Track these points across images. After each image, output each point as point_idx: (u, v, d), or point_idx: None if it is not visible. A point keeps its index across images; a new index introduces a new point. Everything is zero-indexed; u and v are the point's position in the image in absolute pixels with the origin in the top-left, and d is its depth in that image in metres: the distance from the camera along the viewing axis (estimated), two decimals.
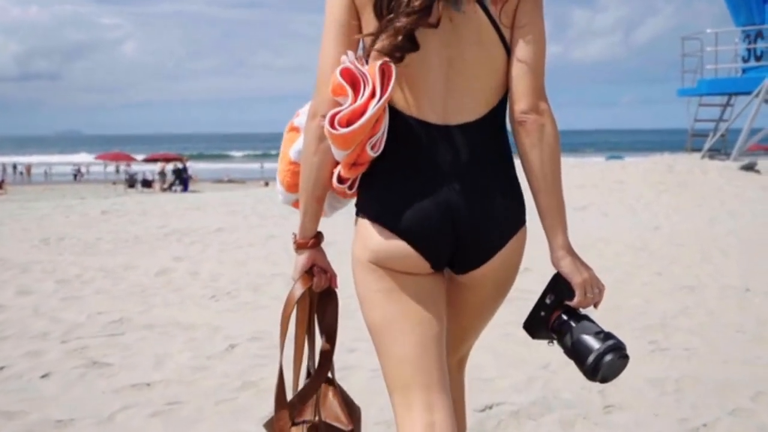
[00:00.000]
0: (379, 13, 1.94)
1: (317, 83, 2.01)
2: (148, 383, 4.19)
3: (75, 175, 55.06)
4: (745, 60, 21.54)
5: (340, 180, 2.02)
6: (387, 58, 1.92)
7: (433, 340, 2.04)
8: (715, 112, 21.98)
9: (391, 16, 1.90)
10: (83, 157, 69.01)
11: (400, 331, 2.04)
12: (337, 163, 2.01)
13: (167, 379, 4.26)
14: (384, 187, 2.01)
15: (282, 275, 7.41)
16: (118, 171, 51.17)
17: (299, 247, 2.14)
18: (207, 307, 6.09)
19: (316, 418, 2.18)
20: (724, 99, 21.80)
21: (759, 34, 20.92)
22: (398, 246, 1.99)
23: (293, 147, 2.25)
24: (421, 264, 2.01)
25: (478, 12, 1.96)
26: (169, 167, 41.85)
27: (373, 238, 2.02)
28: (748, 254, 8.71)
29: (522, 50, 1.99)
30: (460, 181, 1.98)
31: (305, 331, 2.19)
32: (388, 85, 1.91)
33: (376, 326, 2.07)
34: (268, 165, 58.83)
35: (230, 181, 47.54)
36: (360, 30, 2.00)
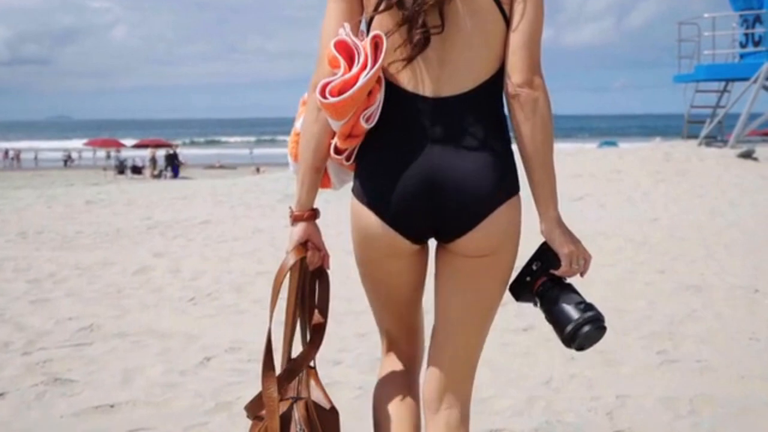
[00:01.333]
0: None
1: (318, 56, 2.04)
2: (113, 404, 3.82)
3: (65, 161, 54.40)
4: (743, 45, 21.18)
5: (337, 151, 2.06)
6: (381, 33, 1.96)
7: (406, 307, 2.27)
8: (711, 98, 21.65)
9: None
10: (74, 143, 68.37)
11: (379, 301, 2.27)
12: (335, 134, 2.05)
13: (134, 400, 3.88)
14: (373, 160, 2.05)
15: (266, 274, 7.04)
16: (109, 156, 50.57)
17: (295, 219, 2.14)
18: (185, 312, 5.71)
19: (304, 395, 2.15)
20: (721, 85, 21.46)
21: (757, 19, 20.54)
22: (377, 225, 2.05)
23: (300, 119, 2.24)
24: (399, 244, 2.08)
25: None
26: (160, 153, 41.42)
27: (360, 215, 2.08)
28: (753, 250, 8.37)
29: (519, 24, 2.00)
30: (448, 151, 2.00)
31: (296, 302, 2.16)
32: (378, 56, 1.94)
33: (365, 290, 2.28)
34: (257, 151, 58.35)
35: (222, 166, 47.09)
36: (362, 5, 2.03)
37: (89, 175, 39.02)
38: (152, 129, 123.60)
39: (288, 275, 2.11)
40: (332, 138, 2.06)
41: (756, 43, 20.66)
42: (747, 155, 18.15)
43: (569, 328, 2.00)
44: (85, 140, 56.71)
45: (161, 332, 5.09)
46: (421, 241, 2.12)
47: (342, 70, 1.94)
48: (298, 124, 2.26)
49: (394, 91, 2.03)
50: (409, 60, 1.98)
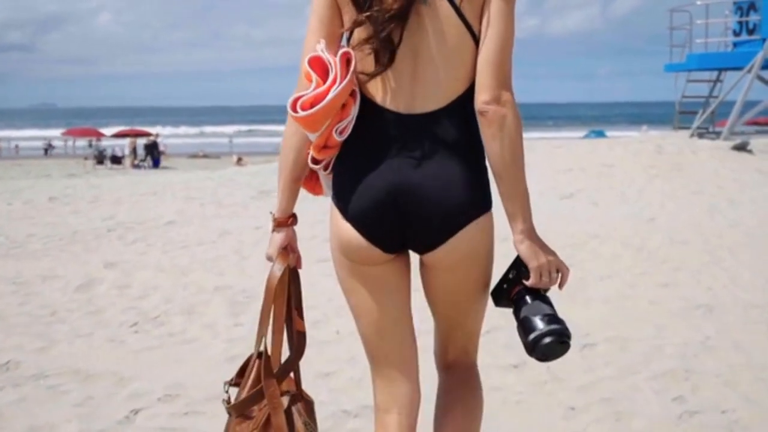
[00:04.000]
0: (356, 8, 2.03)
1: (301, 71, 2.09)
2: None
3: (46, 150, 53.26)
4: (737, 33, 20.47)
5: (314, 161, 2.14)
6: (348, 48, 2.06)
7: (396, 323, 2.24)
8: (703, 88, 20.98)
9: (368, 14, 2.00)
10: (57, 132, 67.16)
11: (366, 316, 2.24)
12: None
13: None
14: (346, 172, 2.12)
15: (224, 290, 6.29)
16: (90, 145, 49.40)
17: (278, 225, 2.27)
18: (122, 343, 4.94)
19: (294, 389, 2.32)
20: (713, 75, 20.79)
21: (752, 6, 19.81)
22: (352, 234, 2.12)
23: None
24: (372, 253, 2.13)
25: (443, 5, 2.02)
26: (141, 142, 40.56)
27: (337, 225, 2.16)
28: (760, 255, 7.68)
29: (487, 41, 2.03)
30: (418, 166, 2.05)
31: (284, 308, 2.27)
32: (349, 71, 2.01)
33: (350, 306, 2.28)
34: (241, 140, 57.40)
35: (205, 155, 46.18)
36: (342, 23, 2.10)
37: (69, 164, 38.03)
38: (137, 116, 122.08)
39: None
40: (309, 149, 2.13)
41: (750, 32, 19.94)
42: (741, 147, 17.50)
43: (531, 337, 2.03)
44: (61, 130, 55.55)
45: (87, 373, 4.32)
46: (393, 251, 2.16)
47: (314, 84, 2.02)
48: None
49: (368, 106, 2.09)
50: (375, 75, 2.05)
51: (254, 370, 2.35)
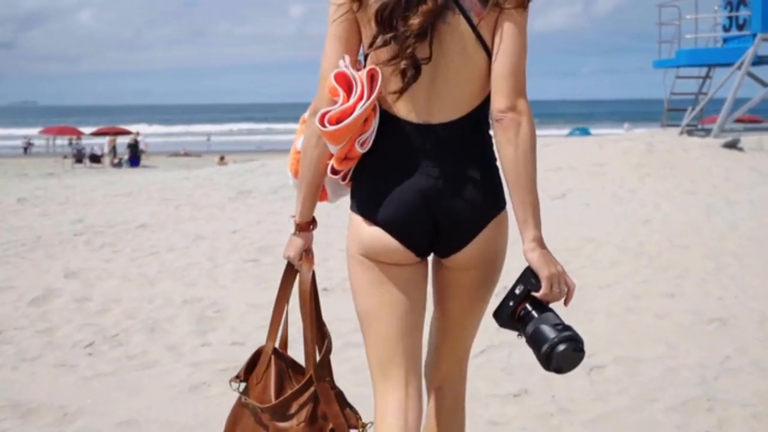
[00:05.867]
0: (381, 28, 2.10)
1: (319, 84, 2.20)
2: None
3: (25, 149, 52.31)
4: (726, 29, 20.08)
5: (334, 171, 2.23)
6: (364, 63, 2.19)
7: (413, 326, 2.29)
8: (692, 84, 20.59)
9: (393, 34, 2.09)
10: (35, 130, 66.14)
11: (386, 316, 2.26)
12: (332, 156, 2.22)
13: None
14: (370, 181, 2.21)
15: (194, 303, 5.76)
16: (71, 143, 48.49)
17: (301, 229, 2.39)
18: (71, 370, 4.38)
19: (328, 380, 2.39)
20: (702, 71, 20.39)
21: (741, 1, 19.41)
22: (383, 238, 2.19)
23: (300, 138, 2.41)
24: (405, 254, 2.21)
25: (461, 23, 2.11)
26: (121, 140, 39.84)
27: (361, 231, 2.23)
28: (764, 260, 7.24)
29: (502, 53, 2.11)
30: (439, 172, 2.15)
31: (313, 308, 2.38)
32: (374, 88, 2.12)
33: (365, 312, 2.30)
34: (220, 138, 56.60)
35: (186, 154, 45.42)
36: (360, 39, 2.19)
37: (47, 163, 37.19)
38: (120, 114, 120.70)
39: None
40: (329, 159, 2.22)
41: (740, 27, 19.53)
42: (732, 145, 17.15)
43: (545, 347, 2.00)
44: (38, 129, 54.64)
45: (27, 406, 3.76)
46: (423, 254, 2.25)
47: (341, 99, 2.11)
48: (298, 143, 2.43)
49: (387, 118, 2.18)
50: (403, 90, 2.13)
51: (273, 368, 2.40)
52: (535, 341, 2.03)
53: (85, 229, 9.55)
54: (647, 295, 6.00)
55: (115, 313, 5.55)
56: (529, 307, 2.08)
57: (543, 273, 2.06)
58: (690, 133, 19.14)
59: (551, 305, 2.09)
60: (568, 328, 2.02)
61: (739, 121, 23.19)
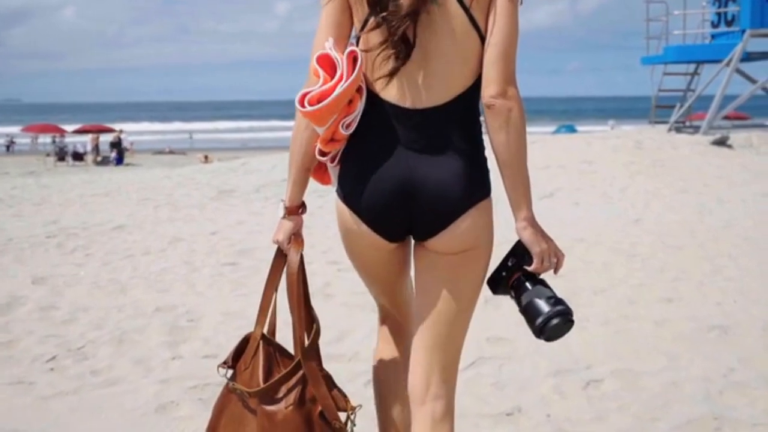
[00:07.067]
0: (372, 9, 2.11)
1: (310, 68, 2.18)
2: None
3: (8, 147, 51.61)
4: (715, 25, 19.90)
5: (321, 153, 2.23)
6: (356, 47, 2.16)
7: (392, 289, 2.47)
8: (680, 81, 20.41)
9: (384, 14, 2.09)
10: (17, 129, 65.37)
11: (365, 277, 2.46)
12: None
13: None
14: (352, 166, 2.22)
15: (168, 311, 5.44)
16: (54, 141, 47.83)
17: (290, 212, 2.41)
18: (30, 387, 4.03)
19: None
20: (690, 67, 20.21)
21: None
22: (359, 224, 2.23)
23: None
24: (379, 242, 2.26)
25: (453, 4, 2.11)
26: (105, 138, 39.38)
27: (341, 214, 2.28)
28: (764, 262, 6.98)
29: (494, 38, 2.12)
30: (422, 158, 2.15)
31: (302, 292, 2.36)
32: (355, 69, 2.11)
33: (356, 271, 2.47)
34: (197, 136, 55.96)
35: (171, 152, 44.95)
36: (352, 23, 2.21)
37: (30, 162, 36.65)
38: (104, 112, 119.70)
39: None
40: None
41: (729, 23, 19.36)
42: (721, 142, 16.95)
43: (539, 320, 2.10)
44: (20, 126, 53.91)
45: None
46: (396, 240, 2.28)
47: (321, 80, 2.11)
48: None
49: (375, 101, 2.18)
50: (393, 73, 2.13)
51: (261, 353, 2.39)
52: (529, 314, 2.13)
53: (59, 231, 9.21)
54: (643, 300, 5.72)
55: (81, 323, 5.22)
56: (522, 278, 2.17)
57: (535, 249, 2.16)
58: (678, 130, 18.95)
59: (542, 276, 2.20)
60: (560, 301, 2.13)
61: (726, 118, 23.00)
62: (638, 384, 4.02)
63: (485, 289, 2.33)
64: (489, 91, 2.11)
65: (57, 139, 43.76)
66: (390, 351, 2.54)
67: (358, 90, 2.15)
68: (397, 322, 2.55)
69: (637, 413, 3.66)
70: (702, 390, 3.93)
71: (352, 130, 2.17)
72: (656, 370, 4.21)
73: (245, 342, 2.45)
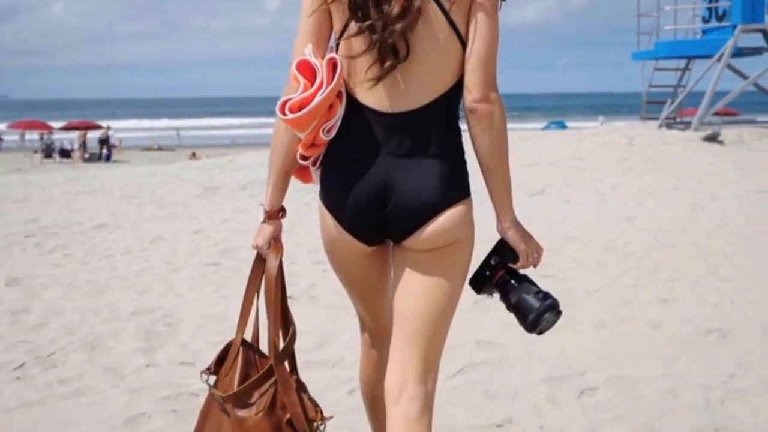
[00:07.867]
0: (355, 16, 2.10)
1: (289, 74, 2.19)
2: None
3: None
4: (706, 20, 19.75)
5: (303, 157, 2.24)
6: (336, 55, 2.16)
7: (371, 295, 2.45)
8: (671, 76, 20.27)
9: (369, 23, 2.08)
10: (3, 125, 64.82)
11: (344, 280, 2.45)
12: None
13: None
14: (332, 171, 2.23)
15: (144, 315, 5.23)
16: (42, 138, 47.40)
17: (270, 217, 2.37)
18: None
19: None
20: (681, 63, 20.06)
21: None
22: (338, 228, 2.24)
23: None
24: (357, 246, 2.26)
25: (433, 8, 2.10)
26: (92, 135, 39.05)
27: (323, 217, 2.29)
28: (760, 261, 6.82)
29: (476, 45, 2.13)
30: (400, 162, 2.15)
31: (279, 297, 2.34)
32: (335, 76, 2.12)
33: (338, 279, 2.48)
34: (184, 133, 55.52)
35: (159, 148, 44.60)
36: (331, 24, 2.19)
37: (16, 159, 36.26)
38: (93, 108, 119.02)
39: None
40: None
41: (720, 18, 19.22)
42: (712, 138, 16.84)
43: (531, 316, 2.15)
44: (7, 123, 53.41)
45: None
46: (375, 243, 2.28)
47: (301, 87, 2.12)
48: None
49: (354, 106, 2.18)
50: (378, 80, 2.12)
51: (240, 358, 2.36)
52: (520, 310, 2.17)
53: (38, 230, 8.98)
54: (638, 302, 5.54)
55: (53, 327, 5.00)
56: (507, 276, 2.22)
57: (520, 248, 2.22)
58: (669, 126, 18.81)
59: (524, 271, 2.27)
60: (547, 295, 2.19)
61: (716, 114, 22.90)
62: (634, 392, 3.83)
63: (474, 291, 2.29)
64: (471, 96, 2.12)
65: (44, 136, 43.37)
66: (373, 358, 2.54)
67: (338, 95, 2.16)
68: (373, 332, 2.55)
69: (634, 424, 3.47)
70: (701, 398, 3.75)
71: (332, 135, 2.17)
72: (653, 377, 4.02)
73: (227, 348, 2.43)
